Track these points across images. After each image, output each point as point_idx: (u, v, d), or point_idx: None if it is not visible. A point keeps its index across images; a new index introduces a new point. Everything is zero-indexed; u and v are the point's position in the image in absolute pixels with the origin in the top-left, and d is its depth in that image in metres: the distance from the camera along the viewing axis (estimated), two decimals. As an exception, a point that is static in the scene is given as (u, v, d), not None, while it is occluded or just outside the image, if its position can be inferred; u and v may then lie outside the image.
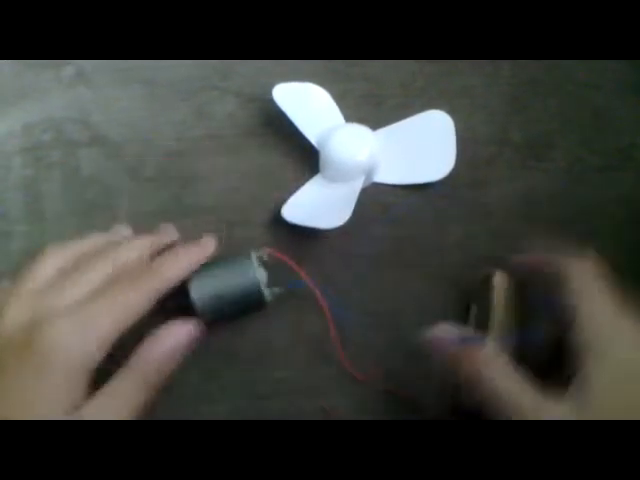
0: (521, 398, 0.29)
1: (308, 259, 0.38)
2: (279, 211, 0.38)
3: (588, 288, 0.31)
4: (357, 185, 0.38)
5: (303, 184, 0.40)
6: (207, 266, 0.34)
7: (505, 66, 0.45)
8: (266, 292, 0.34)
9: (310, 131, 0.40)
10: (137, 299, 0.30)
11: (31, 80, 0.43)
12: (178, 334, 0.32)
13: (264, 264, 0.35)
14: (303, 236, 0.37)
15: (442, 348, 0.32)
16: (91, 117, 0.42)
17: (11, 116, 0.42)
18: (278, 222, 0.38)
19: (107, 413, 0.29)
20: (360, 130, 0.39)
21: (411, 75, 0.44)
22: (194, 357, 0.32)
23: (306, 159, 0.41)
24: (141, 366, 0.30)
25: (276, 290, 0.35)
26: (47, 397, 0.28)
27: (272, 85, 0.41)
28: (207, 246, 0.35)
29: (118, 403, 0.29)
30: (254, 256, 0.35)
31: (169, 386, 0.31)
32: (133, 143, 0.42)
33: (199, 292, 0.34)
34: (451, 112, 0.42)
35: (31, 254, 0.34)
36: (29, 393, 0.28)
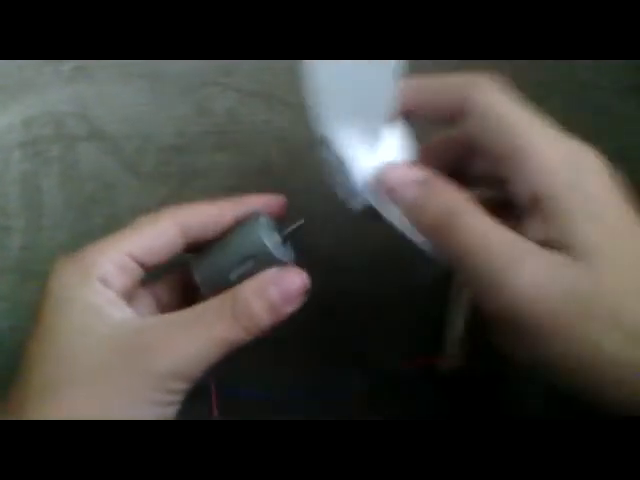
0: (506, 247, 0.24)
1: (315, 252, 0.38)
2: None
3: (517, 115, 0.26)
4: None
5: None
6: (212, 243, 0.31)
7: (506, 65, 0.44)
8: (278, 254, 0.30)
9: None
10: None
11: (31, 74, 0.43)
12: (295, 280, 0.29)
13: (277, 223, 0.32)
14: (310, 232, 0.36)
15: (397, 193, 0.27)
16: (91, 111, 0.42)
17: (11, 110, 0.42)
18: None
19: (182, 336, 0.27)
20: None
21: (413, 73, 0.44)
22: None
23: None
24: (244, 303, 0.28)
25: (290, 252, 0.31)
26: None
27: (273, 81, 0.41)
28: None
29: (199, 331, 0.27)
30: (262, 219, 0.31)
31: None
32: (133, 138, 0.41)
33: (200, 270, 0.31)
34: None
35: (29, 249, 0.34)
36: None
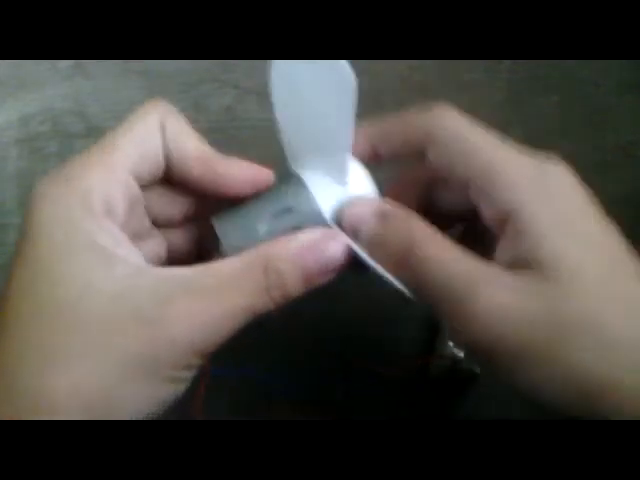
0: (467, 271, 0.22)
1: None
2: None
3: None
4: None
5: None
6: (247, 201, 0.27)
7: (505, 62, 0.45)
8: (324, 213, 0.26)
9: None
10: None
11: (28, 71, 0.42)
12: (337, 249, 0.25)
13: None
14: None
15: (358, 228, 0.25)
16: (88, 109, 0.42)
17: (8, 107, 0.42)
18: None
19: (205, 299, 0.23)
20: None
21: (410, 69, 0.44)
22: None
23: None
24: (277, 273, 0.24)
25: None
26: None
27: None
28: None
29: (228, 296, 0.23)
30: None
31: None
32: (130, 135, 0.41)
33: (222, 217, 0.27)
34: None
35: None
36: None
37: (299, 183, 0.26)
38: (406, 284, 0.24)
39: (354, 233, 0.25)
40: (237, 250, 0.25)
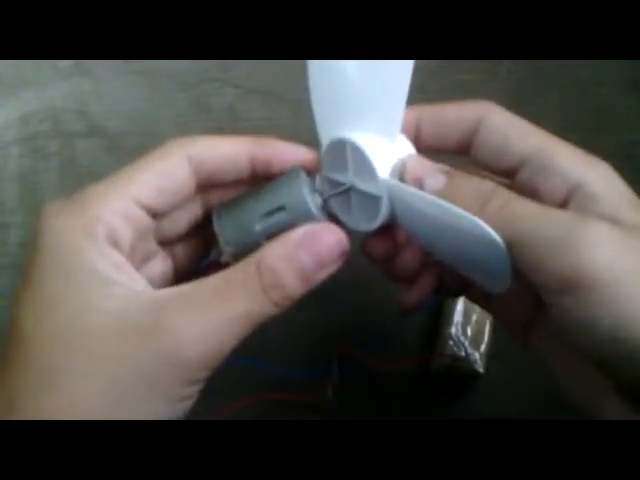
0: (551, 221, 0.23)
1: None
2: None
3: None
4: None
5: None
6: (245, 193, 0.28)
7: (505, 61, 0.45)
8: (316, 211, 0.26)
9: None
10: None
11: (29, 70, 0.43)
12: (329, 241, 0.24)
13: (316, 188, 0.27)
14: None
15: (423, 178, 0.25)
16: (89, 108, 0.42)
17: (9, 106, 0.42)
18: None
19: (195, 315, 0.23)
20: None
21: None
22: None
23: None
24: (272, 273, 0.23)
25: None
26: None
27: (272, 78, 0.41)
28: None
29: (218, 309, 0.23)
30: (303, 174, 0.27)
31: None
32: (131, 134, 0.42)
33: (222, 215, 0.27)
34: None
35: (27, 246, 0.34)
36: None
37: (292, 182, 0.27)
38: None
39: (419, 186, 0.25)
40: (234, 245, 0.26)
